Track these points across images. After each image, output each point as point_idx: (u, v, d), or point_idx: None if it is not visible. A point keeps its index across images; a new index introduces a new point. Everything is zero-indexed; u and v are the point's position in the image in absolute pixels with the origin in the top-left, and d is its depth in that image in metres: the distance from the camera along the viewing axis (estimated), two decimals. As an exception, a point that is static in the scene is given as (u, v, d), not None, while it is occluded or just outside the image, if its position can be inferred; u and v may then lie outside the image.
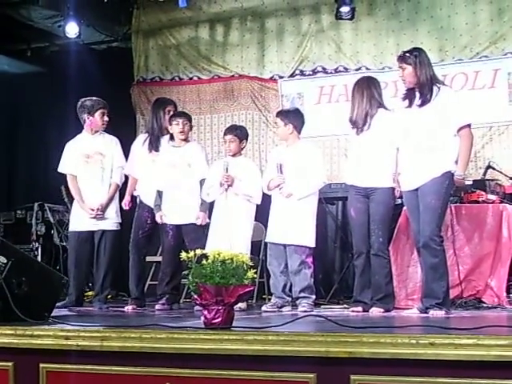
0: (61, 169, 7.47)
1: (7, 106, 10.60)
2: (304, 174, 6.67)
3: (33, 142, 10.60)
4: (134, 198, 7.51)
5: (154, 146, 7.31)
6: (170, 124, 7.14)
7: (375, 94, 6.45)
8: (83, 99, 7.49)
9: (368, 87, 6.45)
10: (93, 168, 7.34)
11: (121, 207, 7.43)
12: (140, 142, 7.44)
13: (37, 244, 9.61)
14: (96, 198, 7.27)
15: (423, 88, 5.90)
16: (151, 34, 10.40)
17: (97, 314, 6.56)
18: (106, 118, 7.39)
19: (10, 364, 3.97)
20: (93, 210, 7.19)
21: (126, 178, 7.56)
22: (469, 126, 5.87)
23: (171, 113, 7.32)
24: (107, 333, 3.85)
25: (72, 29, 9.56)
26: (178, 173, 7.05)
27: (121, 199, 7.54)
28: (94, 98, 7.44)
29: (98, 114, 7.37)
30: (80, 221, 7.33)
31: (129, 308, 7.02)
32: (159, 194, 7.09)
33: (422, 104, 5.90)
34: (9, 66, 10.78)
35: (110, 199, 7.32)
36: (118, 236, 7.40)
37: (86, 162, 7.35)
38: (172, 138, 7.20)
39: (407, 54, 6.01)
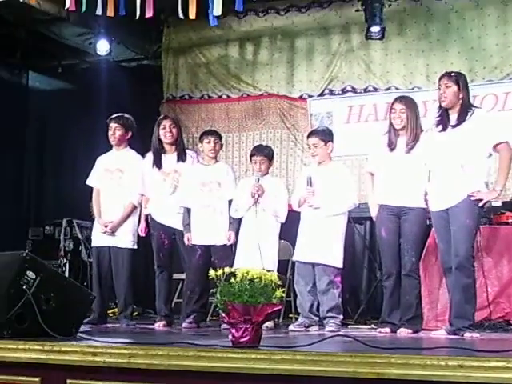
0: (88, 181, 7.49)
1: (37, 122, 10.73)
2: (335, 193, 6.64)
3: (62, 159, 10.68)
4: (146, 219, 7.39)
5: (158, 163, 7.25)
6: (201, 142, 7.14)
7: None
8: None
9: (418, 108, 6.46)
10: (111, 184, 7.31)
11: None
12: (150, 161, 7.31)
13: (64, 260, 9.68)
14: (109, 214, 7.24)
15: (462, 109, 5.88)
16: (181, 52, 10.45)
17: (123, 330, 6.55)
18: (112, 133, 7.29)
19: (37, 379, 3.96)
20: (105, 225, 7.19)
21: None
22: (506, 142, 5.83)
23: (166, 128, 7.22)
24: (134, 350, 3.83)
25: (103, 46, 9.70)
26: (207, 191, 7.02)
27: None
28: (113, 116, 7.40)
29: (109, 130, 7.36)
30: (97, 236, 7.34)
31: (160, 324, 7.02)
32: (188, 212, 7.04)
33: (457, 125, 5.87)
34: (40, 83, 10.91)
35: (124, 218, 7.20)
36: (134, 255, 7.28)
37: (106, 178, 7.34)
38: (181, 157, 7.21)
39: (453, 74, 6.02)
